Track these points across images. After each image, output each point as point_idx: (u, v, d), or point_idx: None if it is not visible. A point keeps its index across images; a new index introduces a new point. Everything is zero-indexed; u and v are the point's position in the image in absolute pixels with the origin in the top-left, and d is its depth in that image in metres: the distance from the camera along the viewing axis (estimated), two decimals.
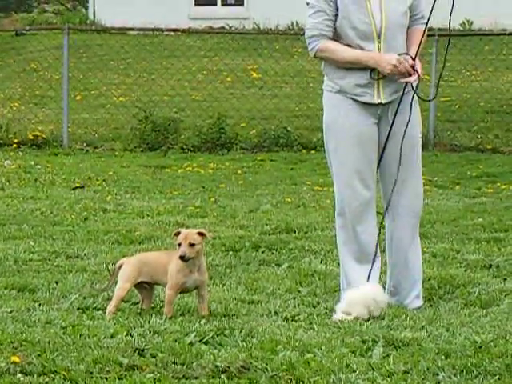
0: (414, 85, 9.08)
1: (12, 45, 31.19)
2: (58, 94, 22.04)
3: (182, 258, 8.65)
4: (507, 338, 7.80)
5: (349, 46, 8.90)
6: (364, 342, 7.84)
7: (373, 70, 8.93)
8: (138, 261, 9.13)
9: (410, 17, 9.09)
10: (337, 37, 8.96)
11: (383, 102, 8.95)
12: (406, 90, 9.06)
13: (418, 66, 9.09)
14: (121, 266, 9.06)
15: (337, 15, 8.87)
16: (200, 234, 8.86)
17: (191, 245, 8.67)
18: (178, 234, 8.86)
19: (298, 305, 9.33)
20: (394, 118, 9.02)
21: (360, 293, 8.86)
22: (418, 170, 9.35)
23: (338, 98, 8.99)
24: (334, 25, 8.90)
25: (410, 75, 8.91)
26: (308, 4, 8.96)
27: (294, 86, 26.67)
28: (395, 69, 8.77)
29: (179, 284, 8.79)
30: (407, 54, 9.06)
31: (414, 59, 9.08)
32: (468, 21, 33.02)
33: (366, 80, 8.91)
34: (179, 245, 8.73)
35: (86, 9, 36.82)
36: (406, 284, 9.42)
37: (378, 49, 8.91)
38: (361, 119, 8.97)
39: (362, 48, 8.88)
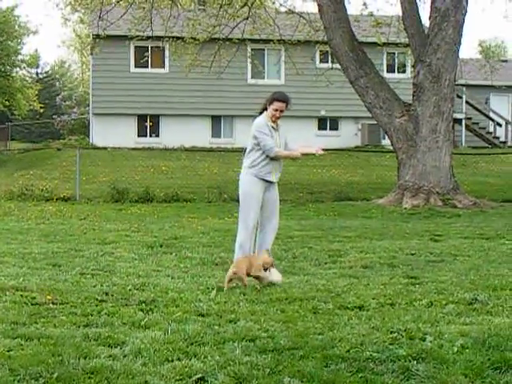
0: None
1: (55, 155, 31.14)
2: (75, 177, 21.84)
3: None
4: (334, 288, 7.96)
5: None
6: (208, 288, 7.92)
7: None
8: None
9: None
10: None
11: (275, 180, 9.09)
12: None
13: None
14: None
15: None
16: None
17: None
18: None
19: (181, 273, 9.12)
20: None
21: None
22: (278, 211, 9.35)
23: (255, 179, 8.97)
24: None
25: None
26: (263, 135, 8.90)
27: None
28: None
29: None
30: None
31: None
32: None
33: (270, 172, 9.01)
34: None
35: (89, 138, 37.07)
36: None
37: None
38: (262, 190, 8.97)
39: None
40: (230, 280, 8.07)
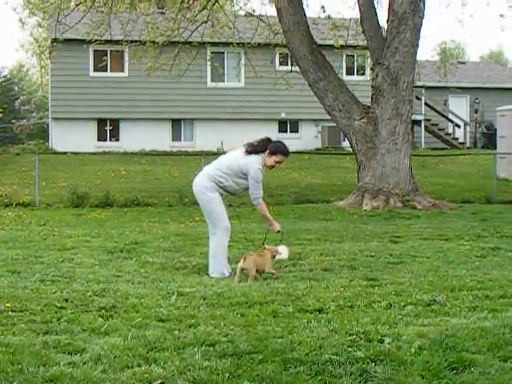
0: None
1: (14, 159, 30.81)
2: (35, 183, 21.63)
3: None
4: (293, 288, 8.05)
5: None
6: (168, 293, 7.94)
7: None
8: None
9: None
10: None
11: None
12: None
13: None
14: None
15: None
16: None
17: None
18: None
19: (141, 278, 9.09)
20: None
21: None
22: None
23: (215, 187, 9.21)
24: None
25: None
26: (258, 183, 9.04)
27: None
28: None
29: None
30: None
31: None
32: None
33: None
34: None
35: (49, 143, 36.82)
36: None
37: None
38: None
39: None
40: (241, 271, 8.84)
